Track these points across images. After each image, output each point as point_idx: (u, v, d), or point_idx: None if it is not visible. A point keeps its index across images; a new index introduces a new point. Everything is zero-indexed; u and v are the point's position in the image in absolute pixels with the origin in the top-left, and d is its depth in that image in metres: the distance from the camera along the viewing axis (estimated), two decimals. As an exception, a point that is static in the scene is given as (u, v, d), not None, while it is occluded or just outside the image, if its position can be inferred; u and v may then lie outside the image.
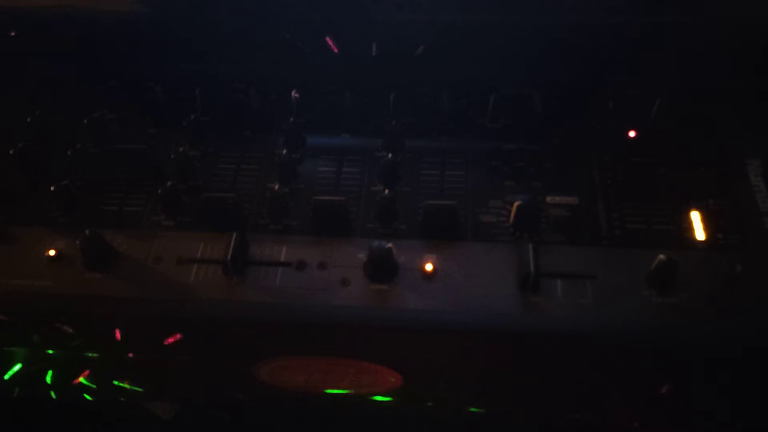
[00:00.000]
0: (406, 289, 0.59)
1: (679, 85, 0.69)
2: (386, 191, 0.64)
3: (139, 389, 0.68)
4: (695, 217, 0.62)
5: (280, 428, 0.78)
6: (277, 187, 0.65)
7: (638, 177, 0.65)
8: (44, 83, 0.74)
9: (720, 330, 0.56)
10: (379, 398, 0.62)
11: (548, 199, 0.64)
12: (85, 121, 0.70)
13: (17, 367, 0.68)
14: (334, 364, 0.61)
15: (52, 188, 0.64)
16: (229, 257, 0.59)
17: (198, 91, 0.73)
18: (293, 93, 0.70)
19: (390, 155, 0.67)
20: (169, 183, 0.64)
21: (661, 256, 0.57)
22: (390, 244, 0.59)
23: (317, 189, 0.66)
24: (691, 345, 0.56)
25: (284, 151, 0.68)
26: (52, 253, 0.62)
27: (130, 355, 0.62)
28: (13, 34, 0.73)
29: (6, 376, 0.70)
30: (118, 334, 0.61)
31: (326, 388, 0.62)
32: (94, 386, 0.70)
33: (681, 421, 0.66)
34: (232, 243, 0.60)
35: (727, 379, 0.59)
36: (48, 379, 0.71)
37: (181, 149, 0.67)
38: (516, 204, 0.62)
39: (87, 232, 0.60)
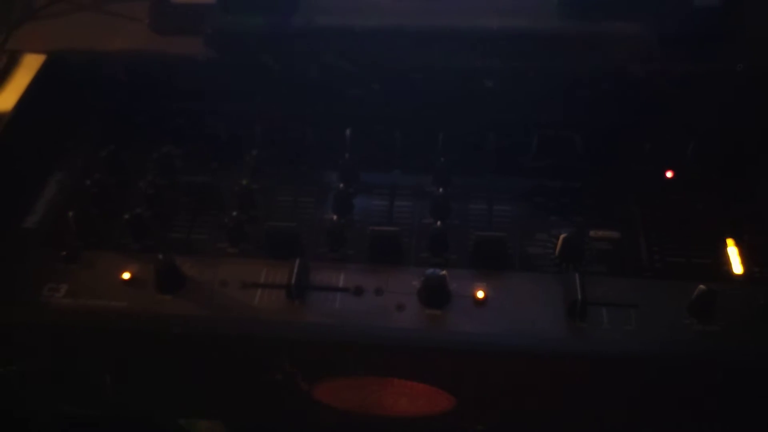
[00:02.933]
0: (459, 314, 0.62)
1: (713, 127, 0.73)
2: (438, 223, 0.68)
3: (197, 408, 0.72)
4: (732, 251, 0.66)
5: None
6: (335, 217, 0.69)
7: (676, 214, 0.69)
8: (118, 121, 0.80)
9: (759, 355, 0.59)
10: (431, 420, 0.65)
11: (591, 233, 0.68)
12: (154, 155, 0.75)
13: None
14: (390, 385, 0.64)
15: (125, 217, 0.69)
16: (293, 281, 0.63)
17: (258, 128, 0.78)
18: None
19: (441, 190, 0.71)
20: (234, 213, 0.69)
21: (702, 286, 0.60)
22: (444, 272, 0.62)
23: (372, 221, 0.70)
24: (731, 370, 0.59)
25: (341, 185, 0.73)
26: (126, 276, 0.66)
27: (196, 375, 0.66)
28: (90, 75, 0.79)
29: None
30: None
31: (382, 409, 0.65)
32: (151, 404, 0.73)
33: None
34: (296, 268, 0.64)
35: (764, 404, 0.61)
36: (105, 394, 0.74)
37: (244, 182, 0.72)
38: (562, 237, 0.65)
39: (160, 256, 0.65)
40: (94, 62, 0.81)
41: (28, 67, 0.83)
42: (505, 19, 0.73)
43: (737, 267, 0.65)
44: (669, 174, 0.73)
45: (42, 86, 0.81)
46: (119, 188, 0.74)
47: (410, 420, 0.66)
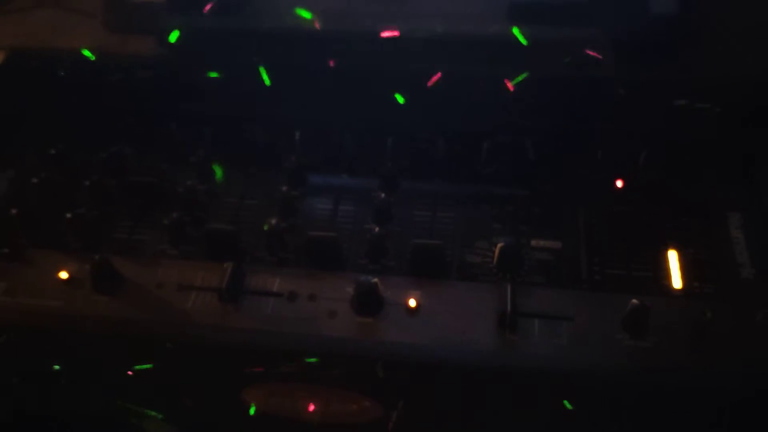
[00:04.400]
0: (390, 323, 0.62)
1: (665, 138, 0.72)
2: (377, 229, 0.67)
3: (137, 408, 0.72)
4: (673, 265, 0.64)
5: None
6: (275, 221, 0.68)
7: (621, 225, 0.68)
8: (67, 118, 0.80)
9: (688, 375, 0.57)
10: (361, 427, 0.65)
11: (533, 242, 0.67)
12: (103, 155, 0.75)
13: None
14: (319, 392, 0.63)
15: (67, 216, 0.69)
16: (224, 285, 0.63)
17: (208, 129, 0.78)
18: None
19: (383, 195, 0.70)
20: (174, 214, 0.69)
21: (634, 301, 0.59)
22: (376, 279, 0.62)
23: (314, 225, 0.70)
24: (658, 388, 0.58)
25: (285, 188, 0.72)
26: (63, 275, 0.66)
27: (129, 373, 0.66)
28: (44, 72, 0.79)
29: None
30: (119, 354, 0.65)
31: (312, 416, 0.65)
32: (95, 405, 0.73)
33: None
34: (228, 272, 0.63)
35: (693, 423, 0.60)
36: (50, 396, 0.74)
37: (188, 183, 0.72)
38: (499, 246, 0.65)
39: (96, 257, 0.65)
40: (48, 60, 0.81)
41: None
42: (455, 24, 0.72)
43: (677, 281, 0.63)
44: (619, 183, 0.71)
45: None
46: (66, 186, 0.74)
47: (340, 427, 0.65)
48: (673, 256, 0.65)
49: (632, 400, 0.60)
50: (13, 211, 0.70)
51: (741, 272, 0.64)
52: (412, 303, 0.63)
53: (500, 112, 0.73)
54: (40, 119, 0.81)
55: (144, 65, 0.78)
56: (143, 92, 0.79)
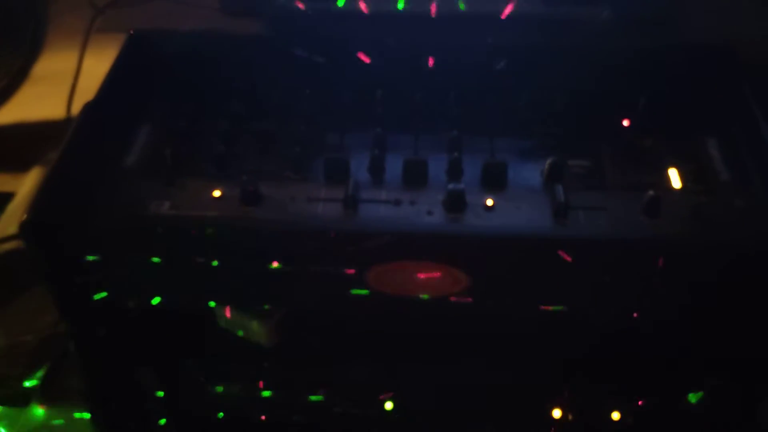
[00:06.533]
0: (474, 216, 0.84)
1: (658, 87, 0.97)
2: (456, 154, 0.89)
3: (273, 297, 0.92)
4: (673, 172, 0.89)
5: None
6: (377, 152, 0.90)
7: (632, 149, 0.92)
8: (191, 84, 1.01)
9: (692, 241, 0.82)
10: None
11: (570, 162, 0.90)
12: (226, 109, 0.96)
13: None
14: (423, 267, 0.84)
15: (211, 154, 0.89)
16: (349, 194, 0.84)
17: (308, 91, 0.99)
18: None
19: (455, 132, 0.93)
20: (297, 148, 0.90)
21: (650, 192, 0.82)
22: (463, 186, 0.84)
23: (404, 155, 0.91)
24: (671, 252, 0.82)
25: (379, 130, 0.93)
26: (216, 194, 0.86)
27: (275, 264, 0.85)
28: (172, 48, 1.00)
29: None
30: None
31: (416, 290, 0.86)
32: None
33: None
34: (350, 185, 0.85)
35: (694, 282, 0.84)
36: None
37: (302, 127, 0.93)
38: (548, 161, 0.88)
39: (244, 177, 0.85)
40: (172, 38, 1.01)
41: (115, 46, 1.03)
42: (501, 5, 0.97)
43: (676, 183, 0.87)
44: (626, 122, 0.96)
45: (128, 57, 1.01)
46: (199, 135, 0.94)
47: (437, 299, 0.86)
48: (672, 167, 0.89)
49: (652, 264, 0.83)
50: (168, 150, 0.90)
51: (720, 177, 0.88)
52: (489, 203, 0.85)
53: (538, 78, 0.98)
54: (166, 86, 1.01)
55: (255, 42, 0.99)
56: (252, 63, 1.00)
